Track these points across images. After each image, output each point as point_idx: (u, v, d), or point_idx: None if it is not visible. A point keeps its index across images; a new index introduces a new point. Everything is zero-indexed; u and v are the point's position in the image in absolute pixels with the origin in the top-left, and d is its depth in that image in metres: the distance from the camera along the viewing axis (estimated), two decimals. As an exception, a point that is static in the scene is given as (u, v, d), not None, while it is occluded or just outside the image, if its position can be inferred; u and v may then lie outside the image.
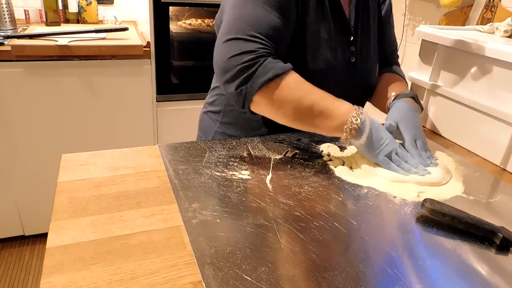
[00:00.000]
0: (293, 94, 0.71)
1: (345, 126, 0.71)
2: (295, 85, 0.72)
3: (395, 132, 0.78)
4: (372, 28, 0.91)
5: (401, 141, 0.77)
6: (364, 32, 0.88)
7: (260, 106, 0.74)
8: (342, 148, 0.82)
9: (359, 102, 0.92)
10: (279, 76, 0.71)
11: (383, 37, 0.96)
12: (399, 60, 1.08)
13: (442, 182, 0.71)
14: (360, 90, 0.92)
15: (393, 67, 1.00)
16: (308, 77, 0.74)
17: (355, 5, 0.86)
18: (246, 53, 0.70)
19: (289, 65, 0.73)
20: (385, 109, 0.91)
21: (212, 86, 0.98)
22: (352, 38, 0.85)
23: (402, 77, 0.98)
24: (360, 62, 0.87)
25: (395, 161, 0.72)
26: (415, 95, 0.87)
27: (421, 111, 0.88)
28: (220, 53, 0.73)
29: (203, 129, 0.99)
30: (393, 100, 0.87)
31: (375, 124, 0.73)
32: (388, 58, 1.00)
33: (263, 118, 0.80)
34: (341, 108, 0.72)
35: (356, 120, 0.71)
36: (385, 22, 0.96)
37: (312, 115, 0.72)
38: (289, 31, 0.78)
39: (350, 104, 0.73)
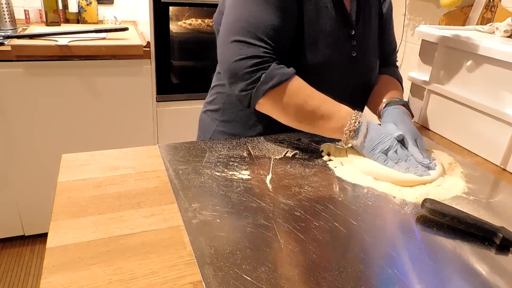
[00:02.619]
0: (296, 98, 0.75)
1: (345, 128, 0.74)
2: (298, 90, 0.75)
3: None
4: (373, 24, 0.91)
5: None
6: (365, 27, 0.88)
7: (265, 108, 0.78)
8: (342, 148, 0.82)
9: (358, 98, 0.92)
10: (283, 82, 0.74)
11: (383, 36, 0.96)
12: (399, 61, 1.08)
13: (434, 179, 0.71)
14: (360, 86, 0.92)
15: (391, 68, 1.00)
16: (309, 71, 0.76)
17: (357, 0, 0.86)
18: (251, 58, 0.73)
19: (292, 70, 0.75)
20: (375, 112, 0.91)
21: (212, 85, 0.98)
22: (353, 32, 0.85)
23: (399, 81, 0.98)
24: (361, 57, 0.87)
25: (391, 158, 0.72)
26: (405, 103, 0.88)
27: (412, 118, 0.88)
28: (225, 55, 0.76)
29: (203, 129, 1.00)
30: (385, 106, 0.87)
31: (372, 124, 0.75)
32: (386, 58, 1.00)
33: (263, 115, 0.80)
34: (342, 111, 0.75)
35: (355, 121, 0.74)
36: (386, 21, 0.96)
37: (314, 118, 0.76)
38: (291, 28, 0.78)
39: (350, 108, 0.76)
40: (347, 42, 0.85)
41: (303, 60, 0.80)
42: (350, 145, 0.77)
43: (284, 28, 0.76)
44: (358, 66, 0.87)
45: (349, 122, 0.74)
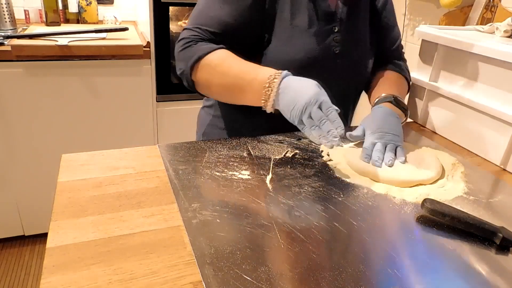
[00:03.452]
0: (215, 71, 0.76)
1: (263, 91, 0.71)
2: (218, 62, 0.76)
3: (359, 138, 0.79)
4: (362, 20, 0.89)
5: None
6: (352, 23, 0.86)
7: (199, 86, 0.81)
8: (341, 148, 0.82)
9: (349, 96, 0.92)
10: (208, 53, 0.76)
11: (383, 31, 0.94)
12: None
13: (433, 179, 0.71)
14: (349, 83, 0.90)
15: (395, 62, 0.98)
16: (289, 67, 0.74)
17: None
18: (181, 40, 0.79)
19: (219, 46, 0.77)
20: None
21: None
22: (336, 29, 0.84)
23: (403, 75, 0.96)
24: (346, 53, 0.85)
25: (306, 124, 0.66)
26: (393, 99, 0.85)
27: (406, 114, 0.87)
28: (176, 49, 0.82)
29: (199, 124, 1.04)
30: (373, 105, 0.87)
31: (290, 79, 0.69)
32: (389, 53, 0.97)
33: (248, 111, 0.79)
34: (262, 72, 0.72)
35: (272, 80, 0.70)
36: (384, 16, 0.93)
37: (237, 90, 0.76)
38: (245, 25, 0.79)
39: (273, 70, 0.72)
40: (328, 38, 0.83)
41: (282, 57, 0.80)
42: (273, 111, 0.72)
43: (232, 23, 0.78)
44: (344, 62, 0.86)
45: (266, 84, 0.70)
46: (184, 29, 0.81)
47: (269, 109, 0.72)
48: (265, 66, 0.75)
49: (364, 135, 0.79)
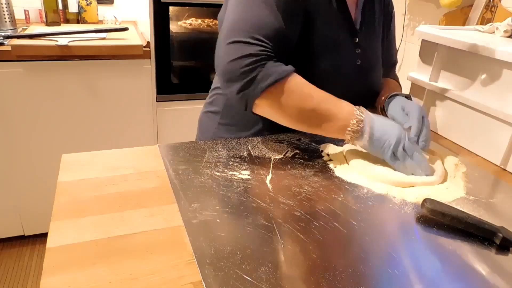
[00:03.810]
0: (295, 98, 0.72)
1: (348, 129, 0.71)
2: (297, 88, 0.72)
3: (403, 117, 0.79)
4: (377, 33, 0.91)
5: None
6: (369, 36, 0.88)
7: (263, 110, 0.74)
8: (341, 148, 0.82)
9: (366, 105, 0.92)
10: (281, 80, 0.70)
11: (387, 45, 0.97)
12: (399, 61, 1.09)
13: (437, 182, 0.71)
14: (366, 94, 0.91)
15: (392, 71, 1.03)
16: (316, 80, 0.73)
17: (362, 8, 0.86)
18: (247, 57, 0.69)
19: (290, 67, 0.72)
20: (376, 109, 0.92)
21: (212, 87, 0.98)
22: (357, 40, 0.85)
23: (399, 83, 1.01)
24: (366, 65, 0.87)
25: (401, 157, 0.71)
26: (409, 95, 0.89)
27: None
28: (221, 56, 0.73)
29: (202, 130, 0.99)
30: (389, 98, 0.88)
31: (375, 122, 0.72)
32: (389, 67, 1.01)
33: (263, 119, 0.79)
34: (344, 109, 0.72)
35: (358, 120, 0.71)
36: (391, 32, 0.97)
37: (315, 119, 0.73)
38: (294, 33, 0.76)
39: (352, 105, 0.73)
40: (352, 50, 0.84)
41: (308, 68, 0.78)
42: (358, 145, 0.75)
43: (286, 32, 0.74)
44: (363, 74, 0.87)
45: (351, 121, 0.71)
46: (234, 42, 0.71)
47: (350, 142, 0.73)
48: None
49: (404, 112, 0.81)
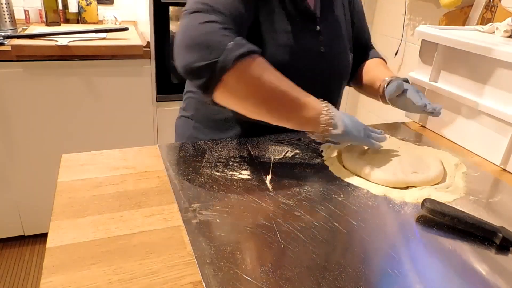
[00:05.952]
0: (269, 75, 0.66)
1: (322, 118, 0.69)
2: (270, 67, 0.67)
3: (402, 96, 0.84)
4: (341, 17, 0.91)
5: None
6: (332, 22, 0.88)
7: (230, 85, 0.64)
8: (341, 148, 0.82)
9: (334, 93, 0.92)
10: (254, 54, 0.64)
11: (357, 26, 0.97)
12: (399, 61, 1.08)
13: (435, 181, 0.71)
14: (332, 79, 0.90)
15: (371, 51, 1.03)
16: (278, 69, 0.70)
17: None
18: (213, 23, 0.63)
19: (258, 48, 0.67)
20: (375, 95, 0.93)
21: (184, 90, 0.96)
22: (318, 28, 0.84)
23: (382, 59, 1.02)
24: (330, 52, 0.86)
25: (368, 136, 0.75)
26: (406, 79, 0.90)
27: None
28: (181, 27, 0.66)
29: (178, 134, 0.98)
30: (388, 83, 0.88)
31: (341, 112, 0.74)
32: (365, 45, 1.02)
33: (235, 118, 0.77)
34: (313, 100, 0.71)
35: (329, 111, 0.70)
36: (358, 12, 0.98)
37: (285, 104, 0.68)
38: (249, 21, 0.74)
39: (317, 99, 0.72)
40: (313, 38, 0.83)
41: (269, 57, 0.74)
42: (324, 137, 0.73)
43: (244, 16, 0.71)
44: (329, 62, 0.86)
45: (324, 111, 0.69)
46: (193, 12, 0.65)
47: (322, 132, 0.71)
48: None
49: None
